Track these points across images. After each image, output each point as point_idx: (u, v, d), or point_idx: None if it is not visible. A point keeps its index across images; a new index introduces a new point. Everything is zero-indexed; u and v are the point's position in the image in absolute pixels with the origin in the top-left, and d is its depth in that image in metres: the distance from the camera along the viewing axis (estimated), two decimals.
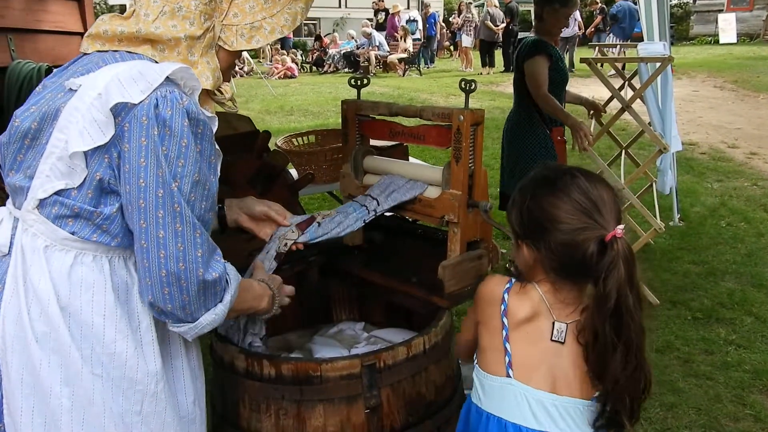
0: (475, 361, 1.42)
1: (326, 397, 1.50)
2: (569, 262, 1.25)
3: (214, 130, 1.24)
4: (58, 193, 1.17)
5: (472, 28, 16.34)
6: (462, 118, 1.65)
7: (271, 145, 2.30)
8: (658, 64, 3.61)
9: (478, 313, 1.41)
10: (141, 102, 1.13)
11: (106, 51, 1.26)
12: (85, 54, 1.28)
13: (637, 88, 3.88)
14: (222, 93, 1.38)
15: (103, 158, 1.16)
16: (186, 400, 1.35)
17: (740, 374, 2.83)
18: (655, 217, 4.27)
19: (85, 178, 1.16)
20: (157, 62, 1.23)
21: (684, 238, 4.45)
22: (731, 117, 8.97)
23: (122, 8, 14.15)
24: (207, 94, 1.32)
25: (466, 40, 16.39)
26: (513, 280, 1.37)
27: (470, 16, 16.57)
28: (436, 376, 1.64)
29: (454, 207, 1.71)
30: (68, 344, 1.19)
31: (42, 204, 1.18)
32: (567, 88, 3.82)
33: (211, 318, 1.23)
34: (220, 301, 1.24)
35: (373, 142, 2.14)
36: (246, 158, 2.11)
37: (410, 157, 2.88)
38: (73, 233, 1.18)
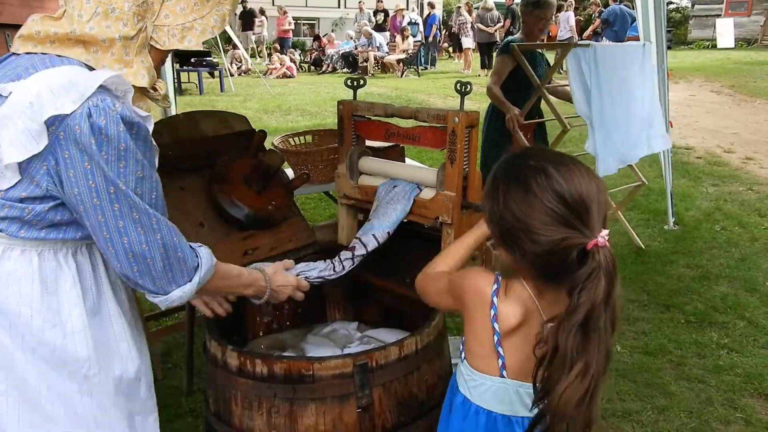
0: (462, 355, 1.37)
1: (318, 396, 1.51)
2: (548, 270, 1.15)
3: (150, 128, 1.28)
4: None
5: (468, 29, 16.34)
6: (457, 120, 1.66)
7: (268, 145, 2.31)
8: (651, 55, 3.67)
9: (463, 302, 1.32)
10: (73, 112, 1.15)
11: (37, 53, 1.25)
12: (15, 54, 1.27)
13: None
14: (156, 90, 1.40)
15: (41, 166, 1.18)
16: (125, 375, 1.39)
17: (732, 378, 2.84)
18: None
19: (16, 183, 1.19)
20: (88, 67, 1.24)
21: (679, 241, 4.47)
22: (728, 121, 8.99)
23: None
24: (142, 92, 1.34)
25: (466, 42, 16.41)
26: (499, 278, 1.27)
27: (462, 18, 16.58)
28: (428, 376, 1.64)
29: (449, 208, 1.72)
30: None
31: None
32: (564, 88, 3.90)
33: (179, 294, 1.32)
34: (189, 281, 1.32)
35: (368, 143, 2.14)
36: (242, 157, 2.12)
37: (406, 158, 2.89)
38: (0, 230, 1.22)
